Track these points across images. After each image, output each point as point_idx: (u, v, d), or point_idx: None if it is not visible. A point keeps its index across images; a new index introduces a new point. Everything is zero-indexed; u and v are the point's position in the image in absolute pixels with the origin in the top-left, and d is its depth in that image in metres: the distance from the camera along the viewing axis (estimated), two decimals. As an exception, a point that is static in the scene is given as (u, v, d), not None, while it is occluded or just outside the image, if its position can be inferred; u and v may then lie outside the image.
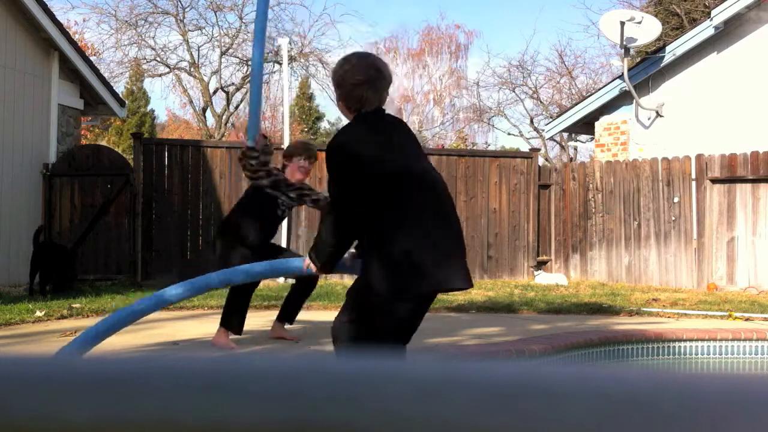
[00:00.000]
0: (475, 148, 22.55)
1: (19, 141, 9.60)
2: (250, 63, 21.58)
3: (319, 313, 6.73)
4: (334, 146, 3.13)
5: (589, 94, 14.04)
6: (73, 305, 6.75)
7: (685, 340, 5.58)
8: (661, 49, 11.73)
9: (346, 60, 3.23)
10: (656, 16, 15.87)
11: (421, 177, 3.12)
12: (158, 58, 21.34)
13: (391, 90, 3.31)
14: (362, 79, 3.13)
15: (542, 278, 10.62)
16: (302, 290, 5.48)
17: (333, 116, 36.79)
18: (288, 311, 5.49)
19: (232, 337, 5.10)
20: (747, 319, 6.82)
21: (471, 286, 3.06)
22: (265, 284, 9.51)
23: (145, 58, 21.61)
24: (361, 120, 3.18)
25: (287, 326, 5.51)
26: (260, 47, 4.37)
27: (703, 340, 5.60)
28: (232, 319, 5.09)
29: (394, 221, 2.98)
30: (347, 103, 3.18)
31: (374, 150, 3.09)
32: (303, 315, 5.74)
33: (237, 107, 22.72)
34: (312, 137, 33.41)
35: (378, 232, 3.00)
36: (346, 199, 3.08)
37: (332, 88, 3.39)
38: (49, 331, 5.56)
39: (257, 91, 4.39)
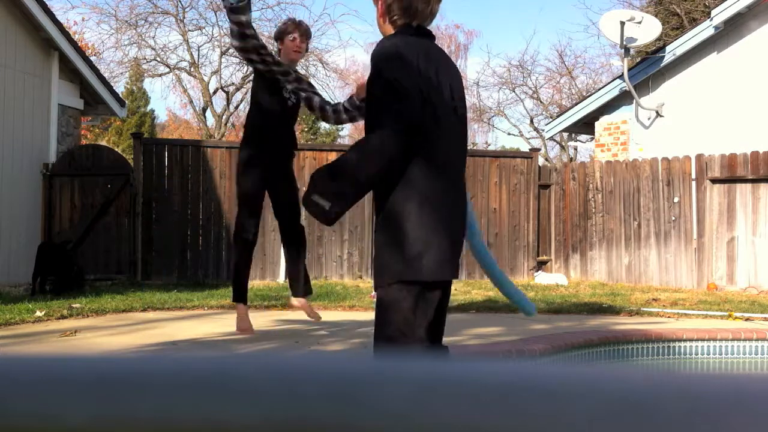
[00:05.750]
0: (475, 148, 22.56)
1: (19, 141, 9.60)
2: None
3: (319, 313, 6.72)
4: (385, 50, 2.43)
5: (589, 94, 14.04)
6: (73, 305, 6.75)
7: (685, 340, 5.58)
8: (661, 49, 11.73)
9: None
10: (656, 16, 15.88)
11: (452, 139, 2.49)
12: (158, 58, 21.33)
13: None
14: None
15: (542, 278, 10.62)
16: (291, 254, 5.30)
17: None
18: (294, 283, 5.39)
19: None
20: (747, 319, 6.81)
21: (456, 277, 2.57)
22: (264, 284, 9.51)
23: (145, 58, 21.60)
24: (409, 33, 2.49)
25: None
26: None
27: (703, 340, 5.60)
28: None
29: (409, 192, 2.37)
30: (391, 14, 2.51)
31: (417, 79, 2.37)
32: (302, 315, 5.72)
33: (237, 107, 22.70)
34: (312, 137, 33.38)
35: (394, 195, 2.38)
36: (404, 116, 2.31)
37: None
38: (49, 331, 5.56)
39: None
